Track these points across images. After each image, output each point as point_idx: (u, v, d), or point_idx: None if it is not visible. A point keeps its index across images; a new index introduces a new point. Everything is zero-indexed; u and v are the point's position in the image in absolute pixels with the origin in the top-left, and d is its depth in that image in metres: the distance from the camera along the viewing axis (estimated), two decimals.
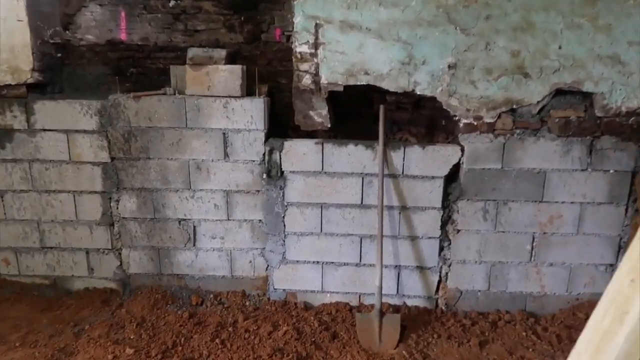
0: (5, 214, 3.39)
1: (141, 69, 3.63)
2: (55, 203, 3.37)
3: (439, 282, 3.34)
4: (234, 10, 3.50)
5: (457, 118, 3.10)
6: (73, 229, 3.41)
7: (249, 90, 3.21)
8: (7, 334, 2.98)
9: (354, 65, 3.04)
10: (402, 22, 2.95)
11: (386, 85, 3.06)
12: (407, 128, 3.47)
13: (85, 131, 3.24)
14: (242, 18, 3.50)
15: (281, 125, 3.45)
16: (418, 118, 3.45)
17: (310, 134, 3.36)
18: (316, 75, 3.08)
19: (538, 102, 3.00)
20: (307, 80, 3.10)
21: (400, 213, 3.23)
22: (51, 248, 3.45)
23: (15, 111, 3.23)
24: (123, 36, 3.60)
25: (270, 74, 3.47)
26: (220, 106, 3.15)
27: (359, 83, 3.07)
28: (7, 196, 3.37)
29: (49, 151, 3.27)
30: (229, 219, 3.36)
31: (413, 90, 3.06)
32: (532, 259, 3.23)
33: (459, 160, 3.11)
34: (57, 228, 3.41)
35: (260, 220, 3.34)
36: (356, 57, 3.03)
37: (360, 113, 3.49)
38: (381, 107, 3.12)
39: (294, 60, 3.09)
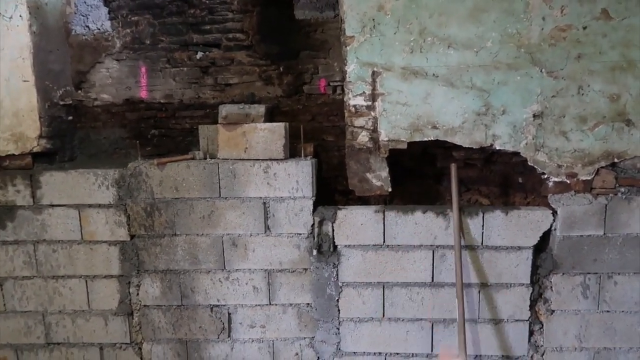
0: (4, 304, 2.88)
1: (164, 131, 3.19)
2: (63, 291, 2.87)
3: None
4: (271, 61, 3.08)
5: (545, 176, 2.58)
6: (85, 321, 2.90)
7: (291, 151, 2.74)
8: None
9: (420, 118, 2.57)
10: (477, 66, 2.49)
11: (459, 140, 2.57)
12: (476, 187, 2.97)
13: (100, 205, 2.77)
14: (281, 69, 3.08)
15: (328, 189, 2.95)
16: (488, 176, 2.95)
17: (363, 200, 2.86)
18: (374, 131, 2.60)
19: None
20: (363, 137, 2.62)
21: (479, 292, 2.67)
22: (58, 344, 2.93)
23: (18, 185, 2.76)
24: (143, 94, 3.17)
25: (314, 131, 3.00)
26: (259, 171, 2.67)
27: (425, 139, 2.59)
28: (7, 284, 2.87)
29: (58, 230, 2.80)
30: (270, 304, 2.82)
31: (491, 145, 2.57)
32: None
33: (551, 226, 2.58)
34: (66, 320, 2.90)
35: (308, 304, 2.79)
36: (422, 109, 2.56)
37: (418, 172, 2.99)
38: (452, 166, 2.62)
39: (346, 115, 2.62)
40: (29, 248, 2.82)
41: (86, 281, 2.86)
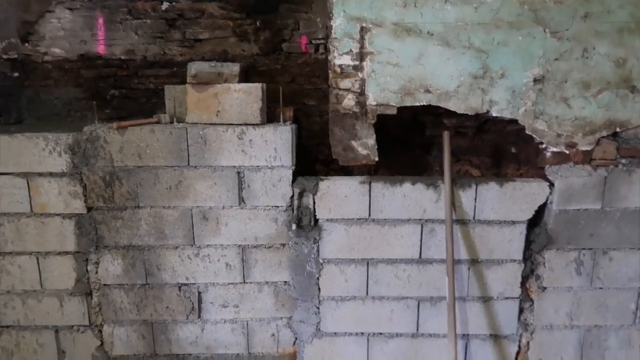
0: None
1: (125, 91, 2.90)
2: (12, 269, 2.60)
3: (518, 353, 2.65)
4: (246, 14, 2.79)
5: (543, 146, 2.42)
6: (37, 302, 2.65)
7: (269, 116, 2.48)
8: None
9: (412, 81, 2.34)
10: (475, 24, 2.27)
11: (453, 105, 2.37)
12: (467, 158, 2.79)
13: (51, 174, 2.49)
14: (258, 23, 2.79)
15: (308, 158, 2.71)
16: (480, 145, 2.77)
17: (346, 171, 2.64)
18: (361, 94, 2.37)
19: None
20: (349, 101, 2.38)
21: (469, 268, 2.52)
22: (7, 327, 2.69)
23: None
24: (101, 49, 2.85)
25: (294, 94, 2.75)
26: (233, 137, 2.42)
27: (417, 104, 2.37)
28: None
29: (4, 201, 2.52)
30: (245, 282, 2.62)
31: (487, 112, 2.38)
32: (638, 321, 2.56)
33: (547, 199, 2.43)
34: (15, 301, 2.65)
35: (286, 282, 2.61)
36: (414, 71, 2.33)
37: (406, 140, 2.78)
38: (445, 134, 2.43)
39: (331, 75, 2.38)
40: None
41: (37, 258, 2.60)
